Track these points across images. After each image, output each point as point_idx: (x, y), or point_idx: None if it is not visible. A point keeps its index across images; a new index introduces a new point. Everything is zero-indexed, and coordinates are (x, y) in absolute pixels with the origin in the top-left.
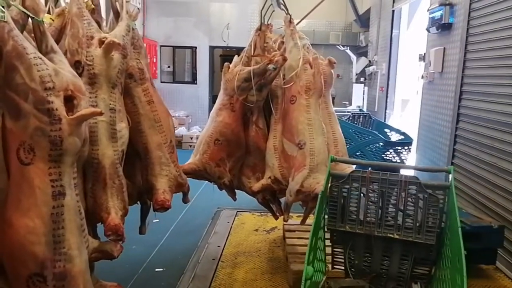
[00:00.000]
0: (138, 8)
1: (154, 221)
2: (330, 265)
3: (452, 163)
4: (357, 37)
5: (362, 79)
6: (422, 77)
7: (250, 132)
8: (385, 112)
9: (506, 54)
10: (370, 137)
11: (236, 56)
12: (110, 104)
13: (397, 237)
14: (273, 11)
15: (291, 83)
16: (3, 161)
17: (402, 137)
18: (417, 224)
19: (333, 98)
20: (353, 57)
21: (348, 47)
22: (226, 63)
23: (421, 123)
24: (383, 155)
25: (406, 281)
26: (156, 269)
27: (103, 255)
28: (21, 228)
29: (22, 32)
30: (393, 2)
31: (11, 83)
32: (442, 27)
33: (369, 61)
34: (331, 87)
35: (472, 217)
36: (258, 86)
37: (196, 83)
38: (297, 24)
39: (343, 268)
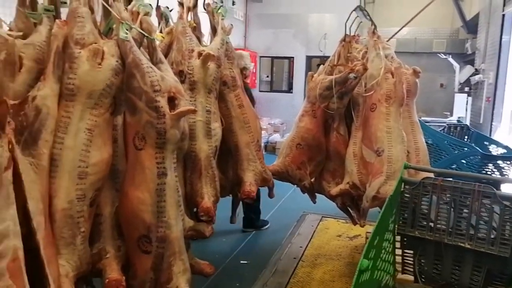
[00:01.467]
0: (232, 24)
1: None
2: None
3: None
4: (463, 44)
5: (466, 89)
6: None
7: (331, 138)
8: (491, 125)
9: None
10: (466, 149)
11: (321, 66)
12: (206, 106)
13: (468, 246)
14: (361, 22)
15: (372, 92)
16: (123, 149)
17: (505, 151)
18: (492, 236)
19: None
20: (456, 65)
21: (451, 55)
22: (310, 72)
23: None
24: (480, 169)
25: None
26: (241, 261)
27: (197, 234)
28: (134, 199)
29: (139, 48)
30: (504, 5)
31: (130, 86)
32: None
33: (475, 69)
34: (416, 96)
35: None
36: (339, 94)
37: (292, 92)
38: (397, 33)
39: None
